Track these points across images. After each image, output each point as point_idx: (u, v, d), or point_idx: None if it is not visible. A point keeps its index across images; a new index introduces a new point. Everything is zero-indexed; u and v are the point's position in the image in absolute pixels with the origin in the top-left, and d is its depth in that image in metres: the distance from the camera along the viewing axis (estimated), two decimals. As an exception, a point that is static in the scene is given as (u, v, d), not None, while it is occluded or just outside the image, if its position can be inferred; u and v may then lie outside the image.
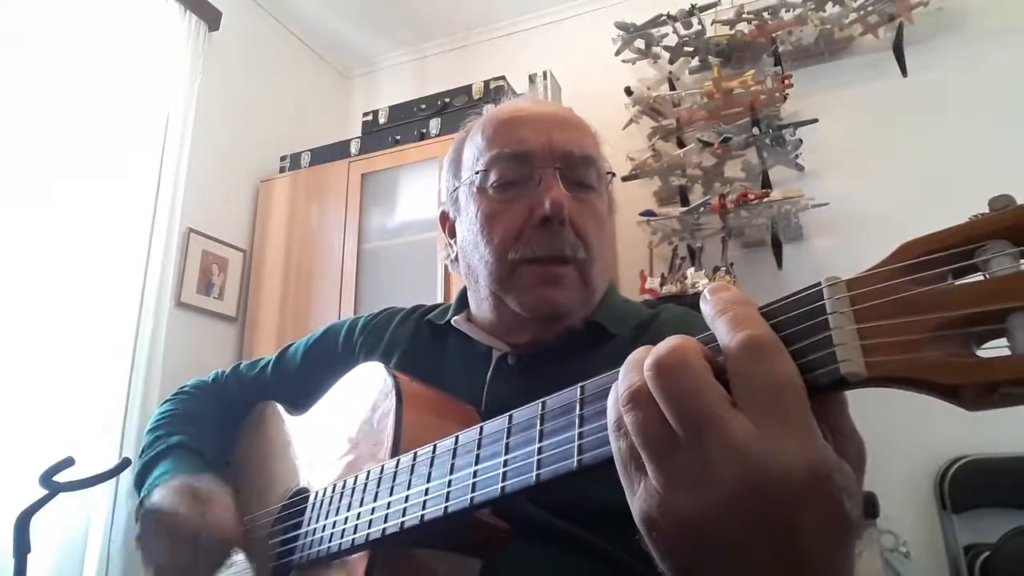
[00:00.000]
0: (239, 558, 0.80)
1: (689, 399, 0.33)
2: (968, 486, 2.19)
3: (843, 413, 0.35)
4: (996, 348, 0.29)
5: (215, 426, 1.01)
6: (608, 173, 0.83)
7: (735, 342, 0.33)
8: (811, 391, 0.32)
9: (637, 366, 0.36)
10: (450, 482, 0.51)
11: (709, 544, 0.32)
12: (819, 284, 0.33)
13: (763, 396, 0.32)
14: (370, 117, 3.03)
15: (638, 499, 0.35)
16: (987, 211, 0.31)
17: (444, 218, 0.91)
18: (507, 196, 0.78)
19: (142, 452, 0.95)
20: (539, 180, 0.76)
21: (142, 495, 0.87)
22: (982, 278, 0.30)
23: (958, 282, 0.30)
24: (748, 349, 0.33)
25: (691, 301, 2.28)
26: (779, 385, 0.32)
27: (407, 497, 0.55)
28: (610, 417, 0.37)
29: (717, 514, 0.32)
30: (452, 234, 0.89)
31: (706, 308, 0.36)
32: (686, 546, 0.33)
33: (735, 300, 0.35)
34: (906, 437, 2.28)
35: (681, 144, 2.73)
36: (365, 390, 0.73)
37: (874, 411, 2.52)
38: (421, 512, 0.53)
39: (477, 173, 0.80)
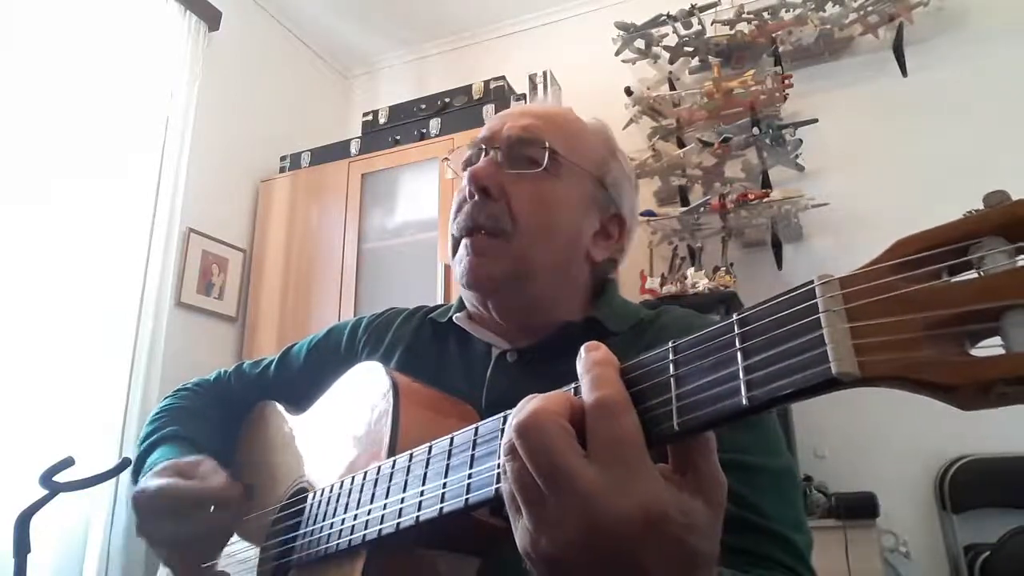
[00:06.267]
0: (238, 547, 0.80)
1: (543, 456, 0.38)
2: (968, 486, 2.19)
3: (705, 453, 0.39)
4: (990, 347, 0.28)
5: (214, 423, 1.01)
6: (571, 162, 0.80)
7: (589, 401, 0.39)
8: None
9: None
10: (445, 484, 0.51)
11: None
12: (811, 282, 0.33)
13: (607, 449, 0.37)
14: (370, 117, 3.03)
15: (517, 535, 0.40)
16: (982, 207, 0.30)
17: None
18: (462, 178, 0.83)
19: (138, 446, 0.96)
20: None
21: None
22: (976, 275, 0.29)
23: (952, 280, 0.30)
24: (598, 408, 0.38)
25: (691, 301, 2.28)
26: (621, 440, 0.37)
27: (403, 498, 0.55)
28: (499, 463, 0.42)
29: (571, 552, 0.37)
30: None
31: (578, 364, 0.41)
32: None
33: (599, 361, 0.40)
34: (906, 437, 2.28)
35: (681, 144, 2.73)
36: (363, 390, 0.73)
37: (874, 411, 2.53)
38: (417, 513, 0.53)
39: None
